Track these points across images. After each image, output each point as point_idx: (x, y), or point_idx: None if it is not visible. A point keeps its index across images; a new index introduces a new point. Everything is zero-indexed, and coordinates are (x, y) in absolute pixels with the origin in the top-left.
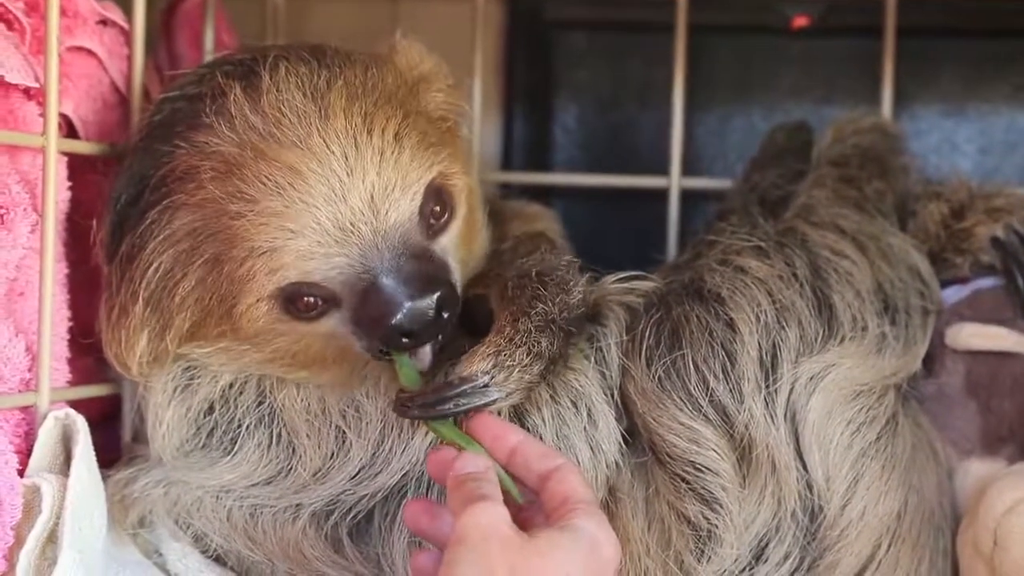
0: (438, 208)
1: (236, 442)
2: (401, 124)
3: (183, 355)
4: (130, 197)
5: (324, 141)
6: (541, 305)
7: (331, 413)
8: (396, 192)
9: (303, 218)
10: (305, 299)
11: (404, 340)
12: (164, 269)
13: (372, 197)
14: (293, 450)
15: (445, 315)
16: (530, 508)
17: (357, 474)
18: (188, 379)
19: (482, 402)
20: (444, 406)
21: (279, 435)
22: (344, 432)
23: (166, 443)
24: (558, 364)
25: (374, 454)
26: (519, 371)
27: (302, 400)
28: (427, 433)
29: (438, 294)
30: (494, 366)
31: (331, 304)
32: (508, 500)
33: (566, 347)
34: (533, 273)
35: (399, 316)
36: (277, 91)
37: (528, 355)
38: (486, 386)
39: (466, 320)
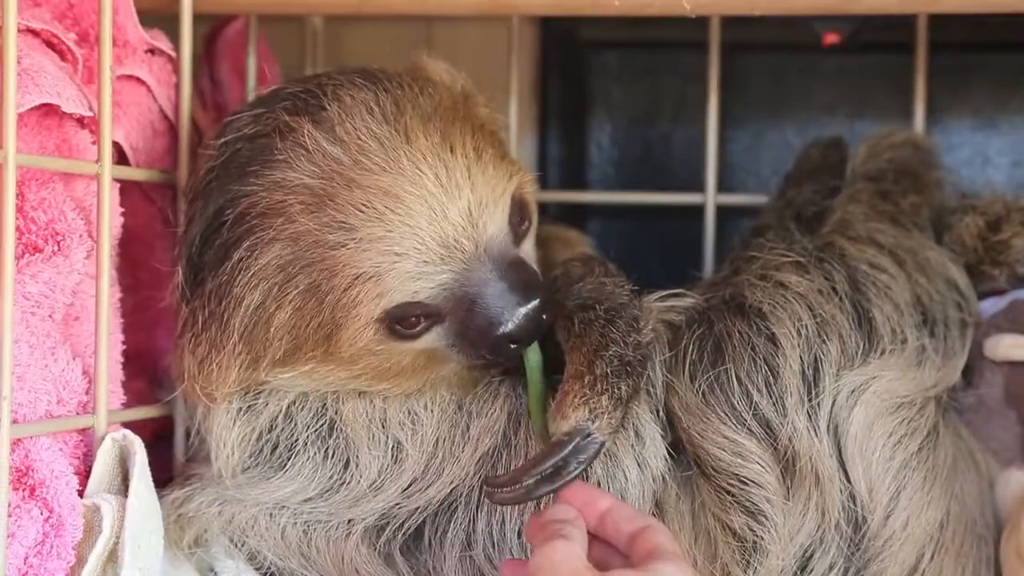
0: (519, 217)
1: (292, 457)
2: (474, 138)
3: (264, 380)
4: (206, 239)
5: (414, 163)
6: (615, 347)
7: (391, 424)
8: (490, 205)
9: (407, 240)
10: (410, 318)
11: (512, 346)
12: (256, 304)
13: (470, 212)
14: (347, 463)
15: (545, 317)
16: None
17: (409, 486)
18: (253, 399)
19: (595, 451)
20: (569, 468)
21: (335, 448)
22: (401, 443)
23: (229, 463)
24: (633, 404)
25: (427, 466)
26: (607, 417)
27: (364, 412)
28: (476, 449)
29: (540, 298)
30: (590, 412)
31: (434, 320)
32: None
33: (639, 385)
34: (600, 309)
35: (510, 324)
36: (351, 120)
37: (610, 400)
38: (589, 434)
39: None
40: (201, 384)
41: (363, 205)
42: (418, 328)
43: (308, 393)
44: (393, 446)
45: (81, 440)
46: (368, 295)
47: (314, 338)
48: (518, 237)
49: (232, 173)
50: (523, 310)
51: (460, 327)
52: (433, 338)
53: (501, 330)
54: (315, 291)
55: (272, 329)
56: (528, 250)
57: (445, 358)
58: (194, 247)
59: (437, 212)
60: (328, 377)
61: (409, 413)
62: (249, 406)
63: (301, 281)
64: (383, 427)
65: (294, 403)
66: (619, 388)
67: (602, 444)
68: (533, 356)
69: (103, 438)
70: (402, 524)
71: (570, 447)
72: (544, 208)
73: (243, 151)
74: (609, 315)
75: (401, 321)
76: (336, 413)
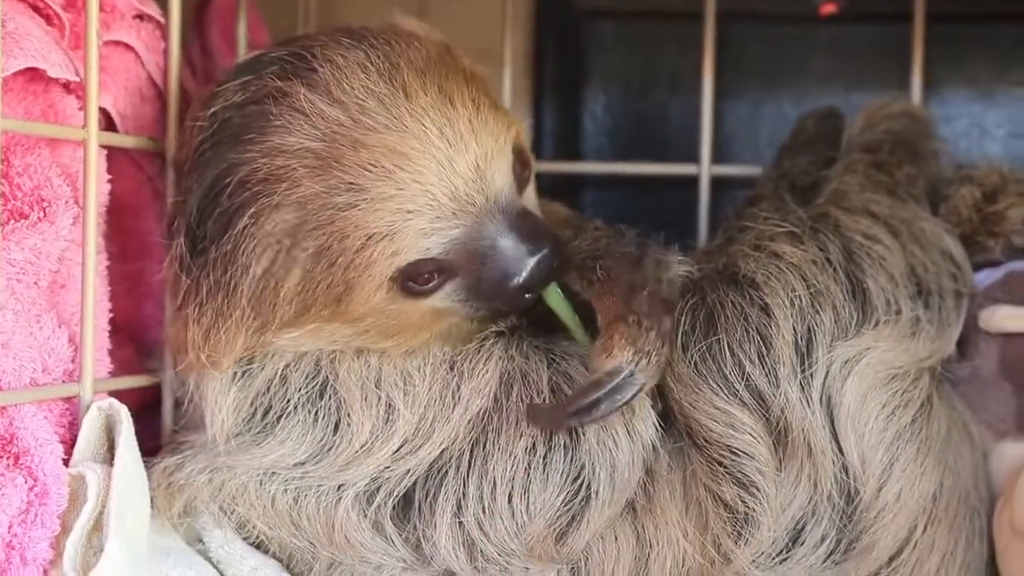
0: (520, 165)
1: (282, 419)
2: (470, 90)
3: (269, 343)
4: (204, 209)
5: (418, 119)
6: (650, 286)
7: (385, 384)
8: (495, 156)
9: (419, 198)
10: (423, 275)
11: (526, 296)
12: (263, 269)
13: (478, 165)
14: (337, 424)
15: (555, 264)
16: None
17: (400, 448)
18: (247, 362)
19: (633, 393)
20: (601, 407)
21: (327, 409)
22: (393, 403)
23: (223, 428)
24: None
25: (417, 427)
26: (655, 355)
27: (359, 372)
28: (466, 410)
29: (549, 246)
30: (635, 353)
31: (447, 275)
32: None
33: (674, 323)
34: (617, 254)
35: (524, 274)
36: (347, 80)
37: (657, 338)
38: (632, 374)
39: None
40: (208, 353)
41: (371, 165)
42: (431, 284)
43: (303, 355)
44: (386, 406)
45: (67, 408)
46: (382, 255)
47: (324, 299)
48: (521, 186)
49: (226, 142)
50: (534, 259)
51: (473, 281)
52: (445, 293)
53: (515, 281)
54: (326, 254)
55: (281, 294)
56: (530, 197)
57: (452, 312)
58: (192, 218)
59: (446, 167)
60: (333, 335)
61: (402, 373)
62: (244, 371)
63: (310, 245)
64: (377, 386)
65: (289, 365)
66: (665, 325)
67: (642, 386)
68: (552, 292)
69: (89, 407)
70: (392, 489)
71: (609, 386)
72: (539, 179)
73: (234, 120)
74: (633, 258)
75: (414, 278)
76: (331, 373)
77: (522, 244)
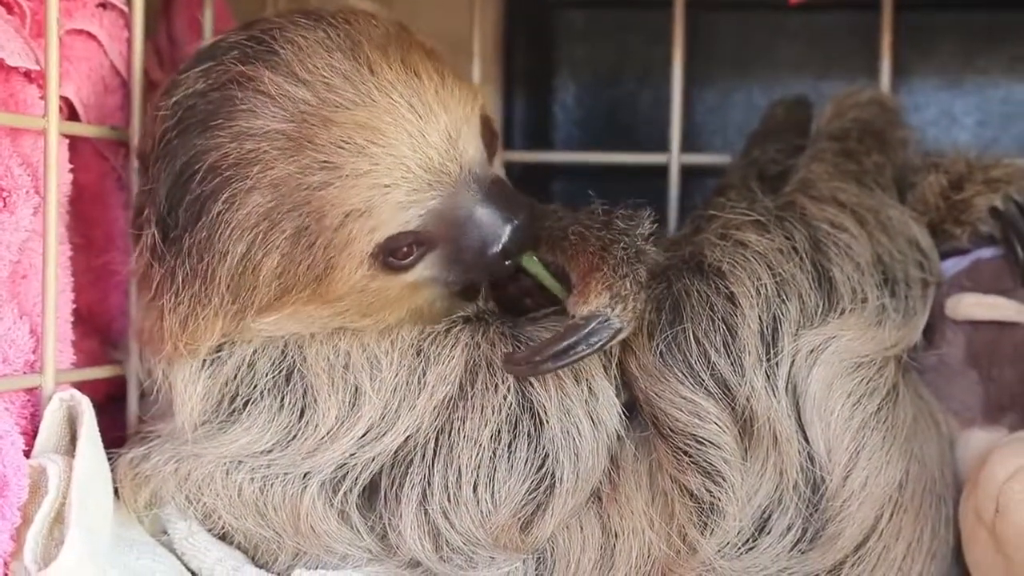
0: (487, 135)
1: (249, 405)
2: (433, 63)
3: (248, 328)
4: (174, 197)
5: (386, 93)
6: (625, 237)
7: (353, 368)
8: (465, 125)
9: (395, 171)
10: (402, 249)
11: (506, 263)
12: (240, 254)
13: (449, 135)
14: (303, 410)
15: (532, 230)
16: None
17: (365, 434)
18: (216, 350)
19: (609, 336)
20: (577, 349)
21: (293, 394)
22: (360, 388)
23: (192, 416)
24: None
25: (383, 412)
26: (632, 300)
27: (326, 357)
28: (432, 396)
29: (526, 212)
30: (611, 298)
31: (427, 247)
32: None
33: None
34: (586, 220)
35: (503, 241)
36: (310, 59)
37: (633, 284)
38: (608, 319)
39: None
40: (186, 341)
41: (343, 142)
42: (411, 258)
43: (271, 340)
44: (353, 391)
45: (28, 400)
46: (361, 231)
47: (304, 280)
48: (491, 155)
49: (192, 129)
50: (511, 226)
51: (453, 251)
52: (425, 266)
53: (494, 248)
54: (304, 234)
55: (260, 277)
56: (498, 166)
57: (431, 285)
58: (162, 207)
59: (418, 138)
60: (310, 317)
61: (370, 358)
62: (213, 359)
63: (287, 226)
64: (345, 370)
65: (257, 351)
66: (639, 272)
67: (618, 330)
68: (528, 258)
69: (50, 398)
70: (357, 477)
71: (585, 331)
72: (509, 169)
73: (199, 107)
74: (602, 220)
75: (394, 253)
76: (298, 358)
77: (498, 212)
